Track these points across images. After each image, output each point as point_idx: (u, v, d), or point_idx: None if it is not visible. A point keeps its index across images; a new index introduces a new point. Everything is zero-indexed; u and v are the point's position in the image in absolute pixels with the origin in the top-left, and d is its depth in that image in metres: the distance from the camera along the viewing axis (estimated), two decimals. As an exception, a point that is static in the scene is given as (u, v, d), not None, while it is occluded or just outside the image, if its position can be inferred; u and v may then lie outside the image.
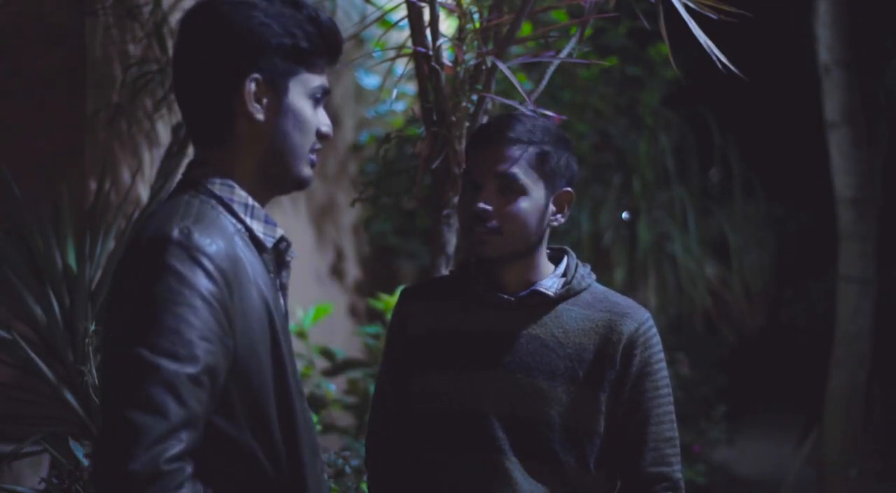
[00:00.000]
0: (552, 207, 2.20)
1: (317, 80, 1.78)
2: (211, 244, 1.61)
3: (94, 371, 2.78)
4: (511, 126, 2.17)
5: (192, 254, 1.59)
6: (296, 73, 1.75)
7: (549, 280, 2.21)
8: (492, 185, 2.15)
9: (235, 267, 1.64)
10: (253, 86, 1.71)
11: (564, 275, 2.23)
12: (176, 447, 1.51)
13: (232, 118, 1.73)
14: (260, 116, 1.72)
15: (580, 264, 2.27)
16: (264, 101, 1.72)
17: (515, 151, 2.14)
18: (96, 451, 1.54)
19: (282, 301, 1.79)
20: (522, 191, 2.14)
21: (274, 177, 1.77)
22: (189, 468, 1.53)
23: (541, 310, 2.19)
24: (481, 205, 2.14)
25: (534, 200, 2.15)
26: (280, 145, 1.75)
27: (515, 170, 2.14)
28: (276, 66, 1.72)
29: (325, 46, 1.78)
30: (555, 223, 2.22)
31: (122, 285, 1.63)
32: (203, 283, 1.58)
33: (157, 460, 1.49)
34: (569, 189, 2.22)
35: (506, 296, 2.19)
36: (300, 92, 1.76)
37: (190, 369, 1.54)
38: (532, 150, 2.15)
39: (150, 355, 1.53)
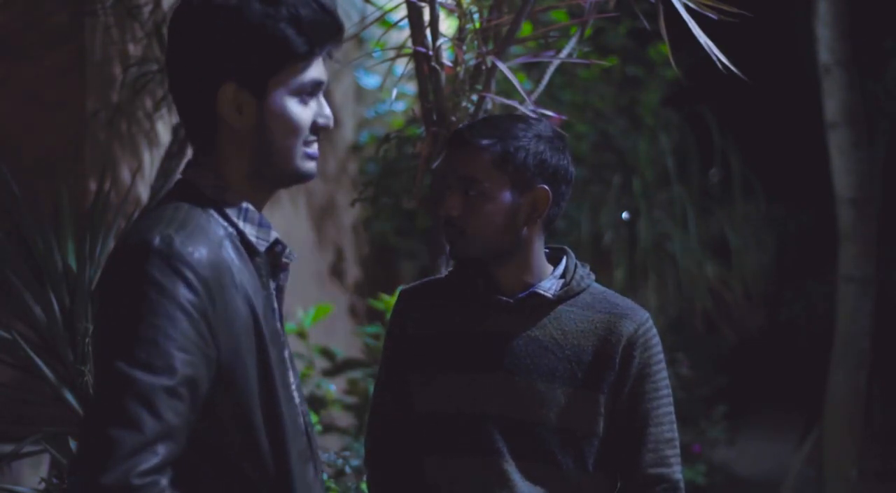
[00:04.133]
0: (526, 207, 2.15)
1: (307, 75, 1.70)
2: (193, 252, 1.58)
3: (93, 371, 2.78)
4: (474, 128, 2.16)
5: (173, 263, 1.56)
6: (276, 72, 1.68)
7: (548, 281, 2.20)
8: (457, 188, 2.14)
9: (219, 274, 1.60)
10: (229, 93, 1.66)
11: (563, 276, 2.21)
12: (150, 461, 1.49)
13: (215, 123, 1.69)
14: (238, 123, 1.68)
15: (579, 264, 2.25)
16: (243, 106, 1.68)
17: (476, 153, 2.13)
18: (72, 463, 1.53)
19: (276, 305, 1.76)
20: (485, 193, 2.12)
21: (268, 176, 1.73)
22: (163, 481, 1.50)
23: (539, 311, 2.18)
24: (445, 209, 2.15)
25: (498, 201, 2.13)
26: (266, 148, 1.70)
27: (475, 172, 2.12)
28: (253, 67, 1.66)
29: (321, 33, 1.70)
30: (533, 224, 2.16)
31: (105, 294, 1.61)
32: (183, 293, 1.55)
33: (129, 474, 1.46)
34: (544, 187, 2.15)
35: (504, 298, 2.18)
36: (282, 91, 1.69)
37: (166, 381, 1.51)
38: (493, 150, 2.12)
39: (126, 367, 1.50)
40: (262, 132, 1.69)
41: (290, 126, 1.70)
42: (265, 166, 1.71)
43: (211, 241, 1.62)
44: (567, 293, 2.19)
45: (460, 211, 2.13)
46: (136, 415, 1.49)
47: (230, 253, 1.64)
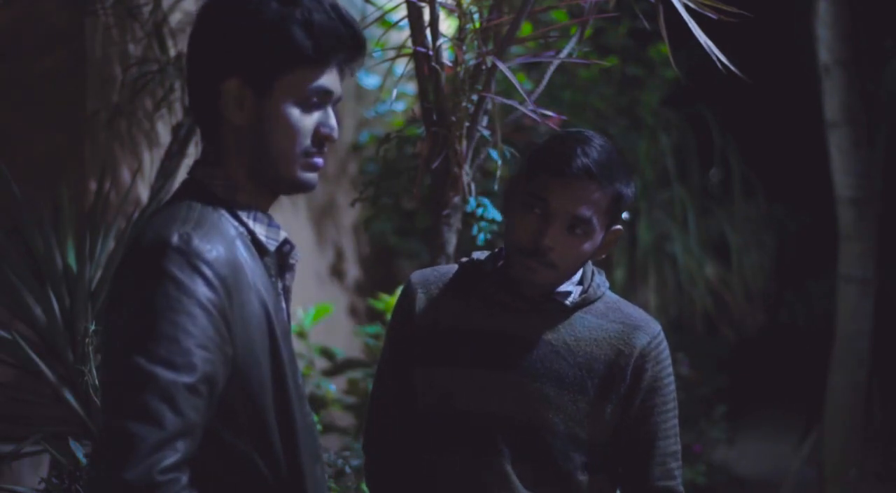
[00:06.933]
0: (605, 245, 2.16)
1: (315, 82, 1.69)
2: (211, 250, 1.59)
3: (94, 371, 2.78)
4: (593, 161, 2.06)
5: (192, 261, 1.57)
6: (284, 73, 1.67)
7: (567, 287, 2.18)
8: (562, 221, 2.07)
9: (235, 273, 1.62)
10: (233, 87, 1.67)
11: (581, 282, 2.20)
12: (171, 457, 1.50)
13: (219, 120, 1.70)
14: (238, 120, 1.68)
15: (596, 270, 2.23)
16: (245, 103, 1.68)
17: (596, 193, 2.07)
18: (93, 459, 1.54)
19: (283, 305, 1.77)
20: (590, 235, 2.10)
21: (266, 180, 1.72)
22: (184, 478, 1.51)
23: (555, 316, 2.17)
24: (547, 242, 2.07)
25: (595, 240, 2.12)
26: (264, 149, 1.69)
27: (592, 215, 2.08)
28: (260, 65, 1.66)
29: (334, 42, 1.69)
30: (603, 256, 2.19)
31: (121, 291, 1.61)
32: (202, 291, 1.56)
33: (152, 469, 1.47)
34: (619, 227, 2.16)
35: (521, 299, 2.16)
36: (287, 94, 1.68)
37: (186, 379, 1.52)
38: (610, 192, 2.08)
39: (147, 363, 1.51)
40: (259, 132, 1.69)
41: (288, 131, 1.69)
42: (263, 168, 1.71)
43: (226, 240, 1.63)
44: (584, 300, 2.18)
45: (558, 245, 2.08)
46: (158, 411, 1.50)
47: (242, 252, 1.65)
